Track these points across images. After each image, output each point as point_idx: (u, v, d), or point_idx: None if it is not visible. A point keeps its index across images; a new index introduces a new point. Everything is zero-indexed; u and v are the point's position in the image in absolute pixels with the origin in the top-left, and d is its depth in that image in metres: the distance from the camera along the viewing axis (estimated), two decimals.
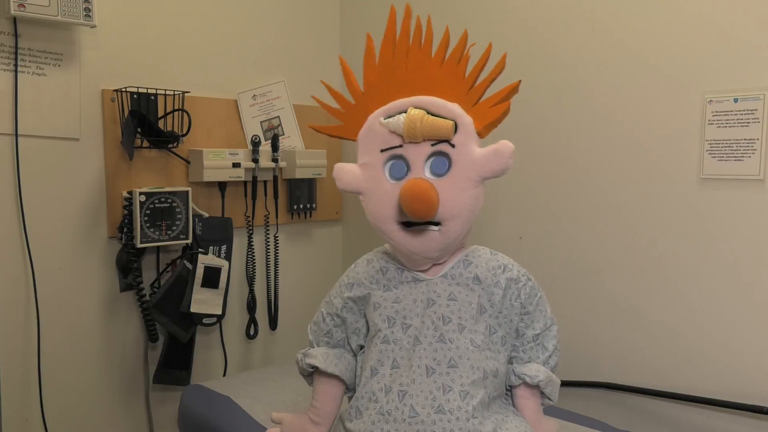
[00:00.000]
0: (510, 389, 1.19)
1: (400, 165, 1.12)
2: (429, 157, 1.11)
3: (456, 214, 1.10)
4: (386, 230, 1.13)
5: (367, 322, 1.21)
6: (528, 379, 1.15)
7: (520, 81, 1.16)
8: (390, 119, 1.13)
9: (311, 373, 1.24)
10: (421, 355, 1.11)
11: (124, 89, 1.79)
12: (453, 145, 1.10)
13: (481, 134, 1.14)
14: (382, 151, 1.14)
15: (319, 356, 1.21)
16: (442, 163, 1.11)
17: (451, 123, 1.10)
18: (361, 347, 1.23)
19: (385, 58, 1.18)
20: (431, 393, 1.07)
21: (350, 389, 1.24)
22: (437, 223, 1.10)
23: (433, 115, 1.11)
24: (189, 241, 1.85)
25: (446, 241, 1.11)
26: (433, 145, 1.11)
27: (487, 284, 1.15)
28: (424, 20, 1.16)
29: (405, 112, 1.12)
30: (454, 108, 1.12)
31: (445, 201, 1.08)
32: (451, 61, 1.15)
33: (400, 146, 1.12)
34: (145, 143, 1.83)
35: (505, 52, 1.18)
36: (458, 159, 1.10)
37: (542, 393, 1.18)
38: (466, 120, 1.12)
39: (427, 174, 1.11)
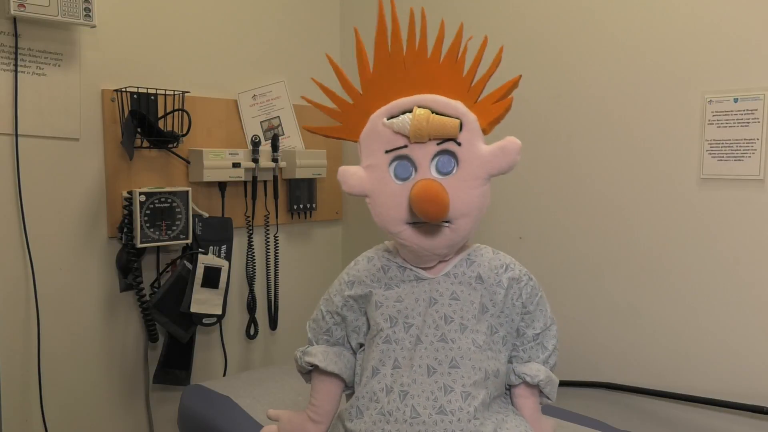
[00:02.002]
0: (509, 388, 1.19)
1: (405, 165, 1.12)
2: (435, 156, 1.11)
3: (465, 212, 1.10)
4: (395, 231, 1.12)
5: (367, 320, 1.21)
6: (528, 379, 1.15)
7: (520, 76, 1.15)
8: (394, 120, 1.12)
9: (310, 371, 1.24)
10: (423, 354, 1.10)
11: (124, 89, 1.79)
12: (459, 144, 1.10)
13: (485, 131, 1.13)
14: (387, 152, 1.12)
15: (319, 354, 1.20)
16: (448, 161, 1.10)
17: (457, 121, 1.09)
18: (361, 345, 1.23)
19: (381, 55, 1.15)
20: (432, 393, 1.07)
21: (349, 387, 1.24)
22: (447, 221, 1.10)
23: (437, 113, 1.10)
24: (189, 241, 1.85)
25: (456, 238, 1.11)
26: (438, 144, 1.10)
27: (489, 283, 1.15)
28: (417, 12, 1.14)
29: (409, 111, 1.11)
30: (458, 106, 1.12)
31: (454, 199, 1.08)
32: (449, 58, 1.14)
33: (405, 146, 1.11)
34: (145, 143, 1.83)
35: (502, 46, 1.17)
36: (465, 157, 1.10)
37: (541, 392, 1.18)
38: (471, 117, 1.11)
39: (434, 173, 1.10)
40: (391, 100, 1.14)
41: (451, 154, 1.10)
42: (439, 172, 1.10)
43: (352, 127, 1.18)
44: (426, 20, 1.14)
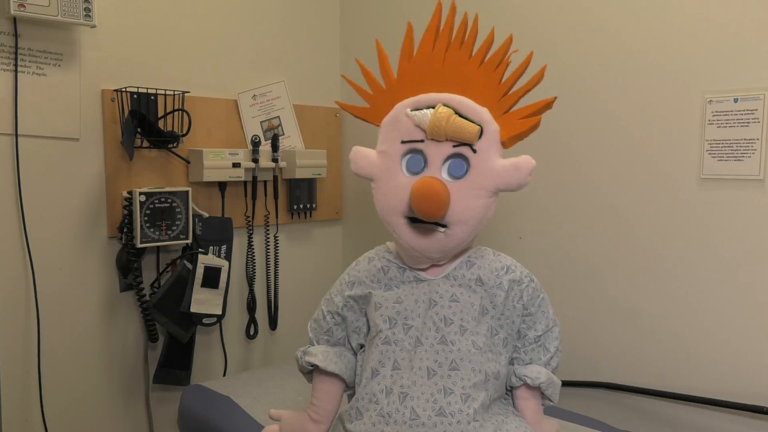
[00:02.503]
0: (510, 390, 1.19)
1: (418, 160, 1.11)
2: (448, 157, 1.10)
3: (463, 220, 1.09)
4: (392, 222, 1.12)
5: (367, 321, 1.21)
6: (529, 381, 1.15)
7: (555, 98, 1.14)
8: (417, 112, 1.11)
9: (311, 371, 1.24)
10: (423, 356, 1.10)
11: (124, 89, 1.79)
12: (475, 151, 1.09)
13: (505, 145, 1.12)
14: (403, 142, 1.12)
15: (319, 354, 1.20)
16: (461, 166, 1.10)
17: (477, 128, 1.09)
18: (362, 346, 1.23)
19: (424, 49, 1.16)
20: (432, 395, 1.07)
21: (350, 387, 1.24)
22: (444, 225, 1.10)
23: (461, 116, 1.10)
24: (189, 241, 1.85)
25: (449, 245, 1.11)
26: (454, 146, 1.09)
27: (489, 286, 1.14)
28: (465, 17, 1.15)
29: (433, 107, 1.11)
30: (483, 113, 1.11)
31: (455, 205, 1.08)
32: (489, 65, 1.13)
33: (422, 141, 1.11)
34: (145, 143, 1.83)
35: (545, 65, 1.16)
36: (477, 165, 1.09)
37: (543, 394, 1.18)
38: (493, 128, 1.10)
39: (444, 174, 1.10)
40: (421, 92, 1.14)
41: (464, 159, 1.10)
42: (449, 174, 1.10)
43: (378, 111, 1.18)
44: (478, 25, 1.14)
